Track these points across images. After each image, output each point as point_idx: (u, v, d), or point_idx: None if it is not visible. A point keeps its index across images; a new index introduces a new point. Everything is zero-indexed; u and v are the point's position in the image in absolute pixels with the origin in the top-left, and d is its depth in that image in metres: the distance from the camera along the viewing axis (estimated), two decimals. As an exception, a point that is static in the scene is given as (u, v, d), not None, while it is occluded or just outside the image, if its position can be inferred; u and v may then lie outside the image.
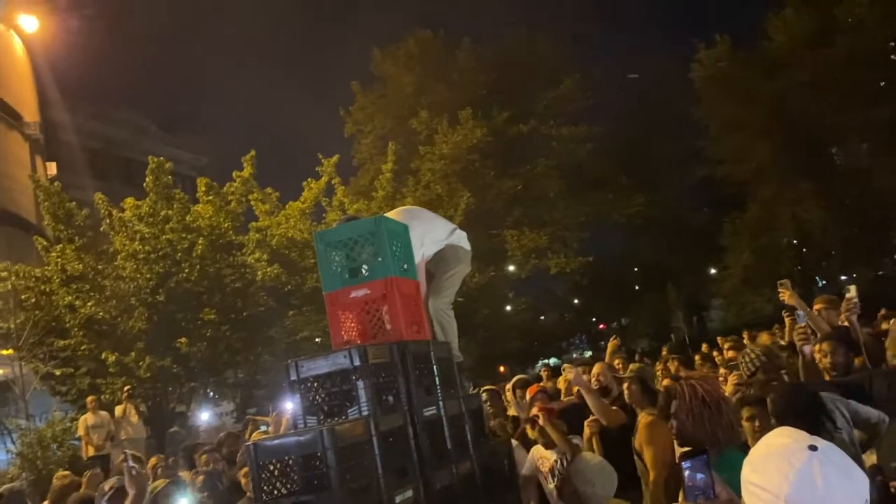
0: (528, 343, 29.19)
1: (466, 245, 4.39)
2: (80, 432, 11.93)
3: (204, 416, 16.31)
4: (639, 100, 31.11)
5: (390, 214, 4.04)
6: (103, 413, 11.94)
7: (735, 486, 2.98)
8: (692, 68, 27.98)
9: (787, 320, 5.54)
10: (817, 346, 4.31)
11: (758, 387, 4.25)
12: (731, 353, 7.16)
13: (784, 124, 25.63)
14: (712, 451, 2.96)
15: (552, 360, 30.62)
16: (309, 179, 16.91)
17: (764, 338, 8.29)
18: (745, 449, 3.09)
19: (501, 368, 25.80)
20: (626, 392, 4.92)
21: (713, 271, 33.04)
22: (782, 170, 26.35)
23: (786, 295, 5.00)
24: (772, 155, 26.32)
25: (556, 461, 4.94)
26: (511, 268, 25.96)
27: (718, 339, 11.03)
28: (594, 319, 39.38)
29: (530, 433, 5.10)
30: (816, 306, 5.37)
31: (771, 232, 27.38)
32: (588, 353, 34.29)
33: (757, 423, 3.39)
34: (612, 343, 9.01)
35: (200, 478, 4.54)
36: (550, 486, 4.95)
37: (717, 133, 28.44)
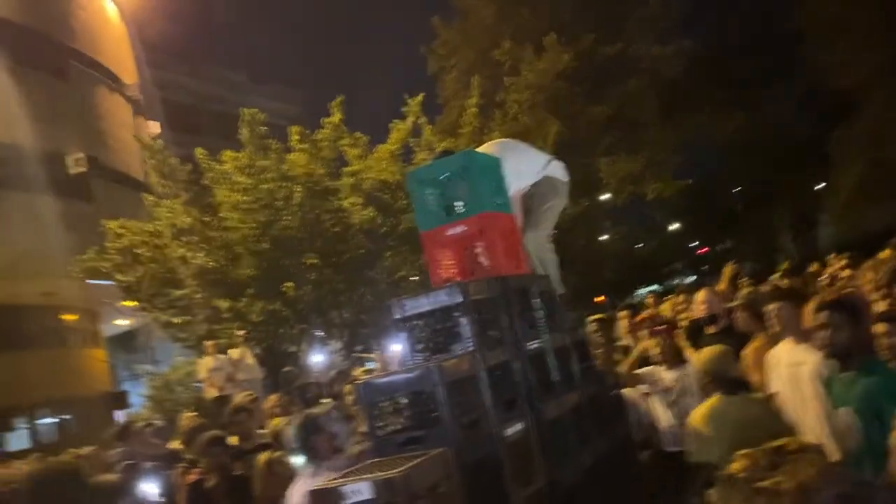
0: (625, 272, 28.74)
1: (563, 176, 4.29)
2: (202, 375, 12.69)
3: (315, 357, 17.01)
4: (734, 9, 29.27)
5: (482, 149, 3.98)
6: (222, 356, 12.61)
7: (874, 393, 2.89)
8: (794, -31, 26.03)
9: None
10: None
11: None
12: (846, 273, 6.77)
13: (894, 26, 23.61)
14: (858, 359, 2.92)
15: (650, 289, 30.08)
16: (395, 121, 16.92)
17: (886, 253, 7.77)
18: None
19: (599, 299, 25.59)
20: (737, 319, 4.78)
21: (822, 186, 31.29)
22: (894, 75, 24.39)
23: None
24: (883, 59, 24.35)
25: (679, 384, 4.89)
26: (605, 196, 25.41)
27: (831, 256, 10.44)
28: (694, 244, 38.29)
29: (651, 349, 5.06)
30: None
31: (883, 143, 25.56)
32: (690, 279, 33.50)
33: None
34: (728, 269, 8.61)
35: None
36: (666, 410, 4.91)
37: (821, 38, 26.48)
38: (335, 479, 2.44)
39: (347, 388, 6.07)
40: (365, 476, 2.35)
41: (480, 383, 2.87)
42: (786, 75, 28.85)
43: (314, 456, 3.75)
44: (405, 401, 2.75)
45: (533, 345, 3.31)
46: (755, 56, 28.78)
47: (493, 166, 3.68)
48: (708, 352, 4.13)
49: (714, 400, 3.87)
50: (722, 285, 7.14)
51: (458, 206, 3.46)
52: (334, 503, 2.30)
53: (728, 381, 3.97)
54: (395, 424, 2.77)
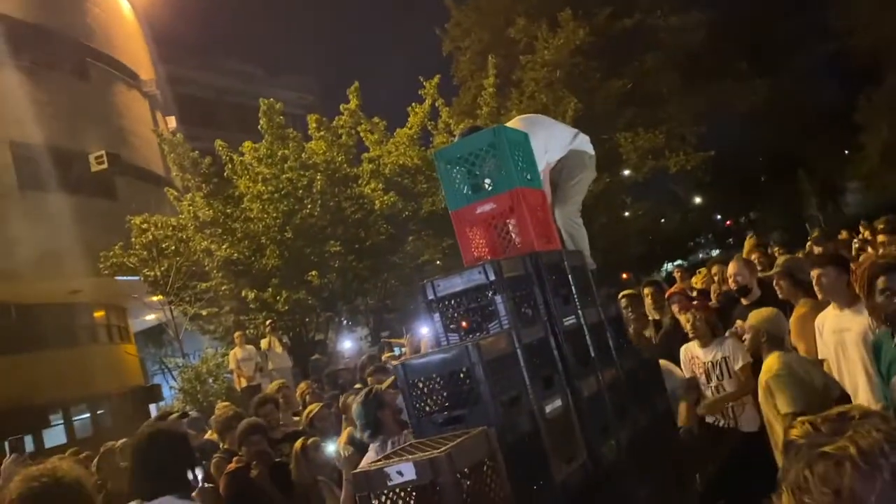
0: (650, 247, 28.50)
1: (590, 149, 4.22)
2: (232, 366, 12.80)
3: (345, 344, 17.11)
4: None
5: (509, 124, 3.92)
6: (250, 347, 12.72)
7: None
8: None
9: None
10: None
11: None
12: (882, 238, 6.60)
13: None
14: None
15: (677, 263, 29.80)
16: (413, 104, 16.84)
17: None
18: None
19: (624, 275, 25.40)
20: (777, 288, 4.69)
21: (847, 153, 30.74)
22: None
23: None
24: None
25: (714, 361, 4.81)
26: (627, 172, 25.12)
27: (861, 224, 10.21)
28: (720, 217, 37.88)
29: (687, 326, 4.99)
30: None
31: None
32: (716, 252, 33.14)
33: None
34: (749, 241, 8.54)
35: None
36: (706, 388, 4.84)
37: (842, 2, 25.91)
38: (379, 460, 2.41)
39: (371, 379, 6.06)
40: (408, 457, 2.32)
41: (518, 361, 2.83)
42: (808, 41, 28.28)
43: (380, 431, 3.84)
44: (443, 380, 2.72)
45: (568, 321, 3.26)
46: (775, 23, 28.25)
47: (521, 141, 3.61)
48: (762, 313, 4.09)
49: (777, 357, 3.85)
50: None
51: (488, 183, 3.40)
52: (379, 484, 2.27)
53: (782, 341, 3.98)
54: (435, 405, 2.73)
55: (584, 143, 4.21)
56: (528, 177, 3.53)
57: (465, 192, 3.48)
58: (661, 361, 4.97)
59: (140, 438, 3.07)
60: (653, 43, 25.44)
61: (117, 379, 22.77)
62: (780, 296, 4.76)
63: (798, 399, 3.64)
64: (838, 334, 3.89)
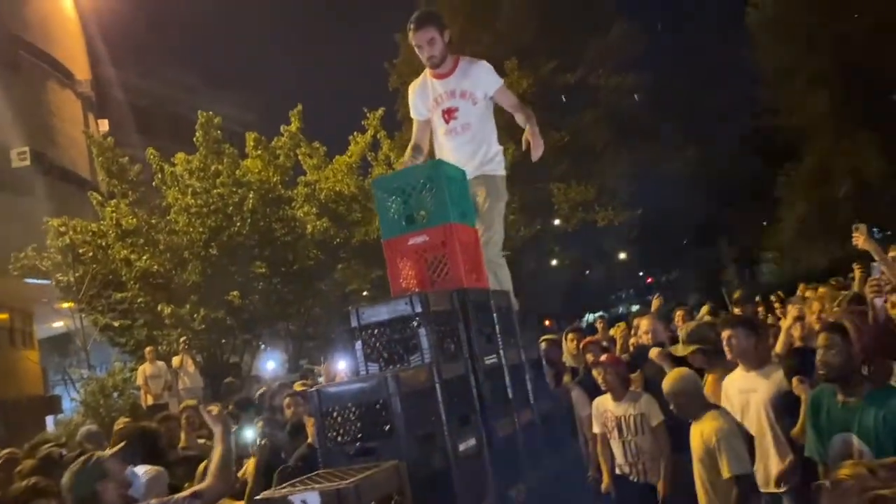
0: (574, 297, 29.04)
1: (503, 168, 4.21)
2: (139, 382, 12.32)
3: (267, 366, 16.71)
4: (689, 47, 30.13)
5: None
6: (161, 363, 12.28)
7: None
8: (747, 13, 26.88)
9: (856, 271, 5.30)
10: (893, 298, 4.12)
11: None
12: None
13: (843, 70, 24.54)
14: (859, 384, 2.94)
15: (599, 314, 30.42)
16: (355, 133, 16.85)
17: (822, 290, 8.00)
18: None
19: (547, 322, 25.75)
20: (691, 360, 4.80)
21: (766, 224, 32.21)
22: (840, 119, 25.30)
23: (860, 240, 4.70)
24: (829, 103, 25.28)
25: (626, 416, 4.85)
26: (557, 221, 25.68)
27: (772, 297, 10.65)
28: (641, 273, 38.95)
29: (599, 380, 5.01)
30: (890, 254, 5.11)
31: (827, 183, 26.47)
32: (635, 307, 33.97)
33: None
34: (655, 301, 8.81)
35: (260, 423, 4.60)
36: (616, 441, 4.88)
37: (772, 81, 27.39)
38: (283, 487, 2.34)
39: (287, 400, 5.92)
40: (314, 486, 2.26)
41: (436, 396, 2.81)
42: (737, 114, 29.76)
43: None
44: (359, 411, 2.67)
45: (490, 360, 3.27)
46: (709, 94, 29.61)
47: (458, 178, 3.64)
48: (677, 374, 4.13)
49: (719, 417, 3.86)
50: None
51: (422, 215, 3.41)
52: (282, 512, 2.20)
53: (705, 400, 4.02)
54: (348, 435, 2.68)
55: (500, 161, 4.19)
56: (463, 213, 3.56)
57: (399, 222, 3.48)
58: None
59: None
60: (592, 100, 26.31)
61: (15, 387, 21.52)
62: (693, 365, 4.88)
63: (745, 461, 3.71)
64: (744, 395, 4.02)
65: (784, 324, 5.04)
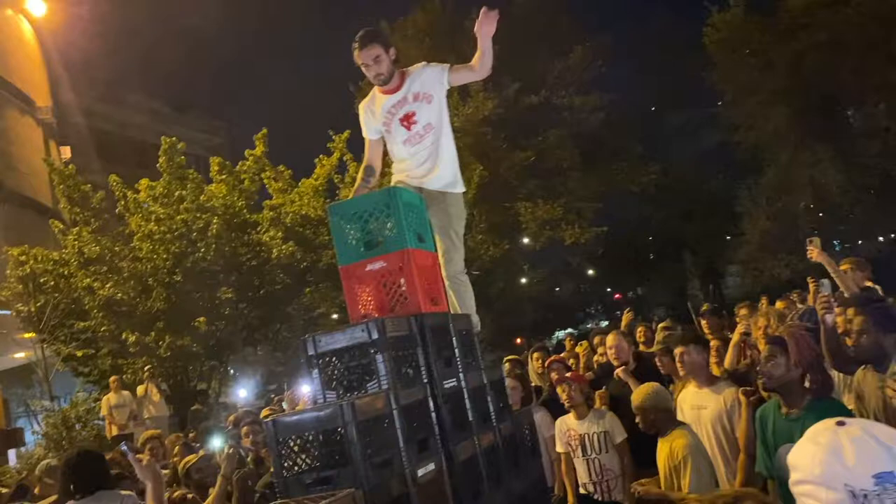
0: (544, 314, 29.21)
1: (452, 186, 4.13)
2: (104, 412, 12.10)
3: (235, 394, 16.47)
4: (651, 67, 30.72)
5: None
6: (125, 393, 12.08)
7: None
8: (705, 33, 27.48)
9: (811, 285, 5.40)
10: (839, 310, 4.22)
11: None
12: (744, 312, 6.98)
13: (800, 87, 25.19)
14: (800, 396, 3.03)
15: (568, 331, 30.60)
16: (321, 156, 16.83)
17: (779, 304, 8.15)
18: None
19: (518, 340, 25.85)
20: (659, 363, 4.87)
21: (729, 238, 32.78)
22: (798, 133, 25.96)
23: (814, 253, 4.82)
24: (788, 119, 25.92)
25: (590, 434, 4.88)
26: (525, 240, 25.85)
27: (736, 308, 10.83)
28: (609, 289, 39.29)
29: (562, 397, 5.03)
30: (843, 267, 5.24)
31: (787, 196, 27.06)
32: (604, 323, 34.24)
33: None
34: (626, 316, 8.92)
35: (229, 450, 4.55)
36: (580, 460, 4.91)
37: (731, 98, 28.01)
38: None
39: (245, 429, 5.89)
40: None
41: (393, 422, 2.81)
42: (700, 130, 30.36)
43: None
44: (315, 439, 2.67)
45: (449, 384, 3.28)
46: (670, 111, 30.19)
47: (415, 204, 3.67)
48: (646, 389, 4.14)
49: (682, 433, 3.88)
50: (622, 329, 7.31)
51: (379, 241, 3.43)
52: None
53: (674, 416, 4.03)
54: (304, 464, 2.67)
55: (459, 180, 4.15)
56: (421, 238, 3.59)
57: (356, 248, 3.49)
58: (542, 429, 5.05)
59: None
60: (556, 120, 26.65)
61: (-26, 420, 20.97)
62: (661, 371, 4.96)
63: (707, 481, 3.75)
64: (696, 411, 4.09)
65: (732, 340, 5.15)
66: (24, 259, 14.58)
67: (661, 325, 7.40)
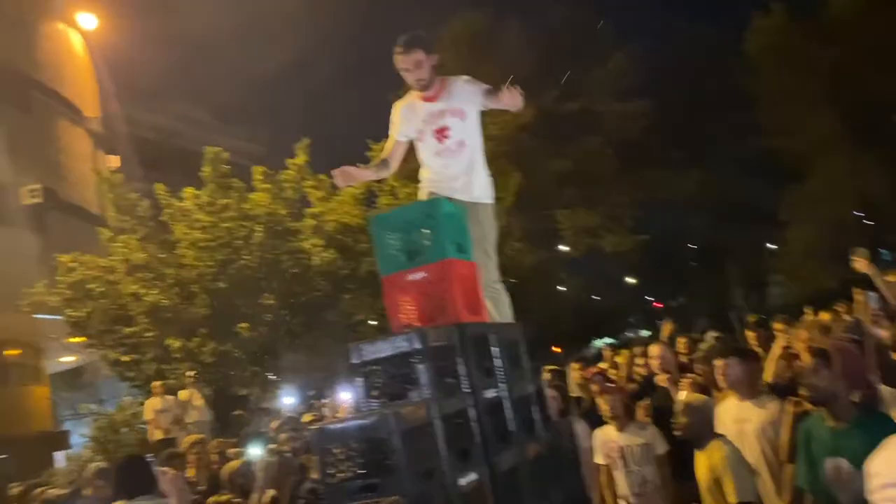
0: (582, 323, 28.97)
1: (483, 197, 4.14)
2: (148, 416, 12.33)
3: (280, 400, 16.70)
4: (692, 73, 30.31)
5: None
6: (169, 397, 12.30)
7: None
8: (747, 39, 27.10)
9: (857, 297, 5.29)
10: (887, 324, 4.14)
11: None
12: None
13: (845, 93, 24.68)
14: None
15: (607, 341, 30.29)
16: (359, 165, 16.96)
17: (825, 316, 7.96)
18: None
19: (556, 349, 25.69)
20: (700, 374, 4.83)
21: (772, 247, 32.13)
22: (843, 140, 25.41)
23: (862, 264, 4.71)
24: (832, 125, 25.40)
25: (631, 446, 4.85)
26: (564, 248, 25.73)
27: (773, 323, 10.58)
28: (650, 298, 38.80)
29: (604, 411, 5.01)
30: (891, 279, 5.12)
31: (833, 204, 26.46)
32: (645, 333, 33.85)
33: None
34: (666, 326, 8.78)
35: (275, 458, 4.63)
36: (620, 472, 4.87)
37: (773, 105, 27.53)
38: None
39: (283, 436, 6.00)
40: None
41: (436, 431, 2.85)
42: (741, 137, 29.83)
43: None
44: (359, 447, 2.71)
45: (490, 393, 3.30)
46: (711, 117, 29.76)
47: (457, 214, 3.71)
48: (700, 397, 4.14)
49: (721, 445, 3.87)
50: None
51: (420, 251, 3.47)
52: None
53: (713, 429, 4.02)
54: (348, 472, 2.72)
55: (490, 190, 4.17)
56: (462, 248, 3.62)
57: (397, 258, 3.54)
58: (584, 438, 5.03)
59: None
60: (595, 127, 26.49)
61: (24, 423, 21.56)
62: (701, 381, 4.91)
63: (750, 488, 3.73)
64: (738, 424, 4.04)
65: (772, 353, 5.07)
66: (73, 266, 15.00)
67: (712, 335, 7.32)
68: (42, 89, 22.93)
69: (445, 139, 4.02)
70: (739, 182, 30.92)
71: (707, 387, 4.90)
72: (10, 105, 21.18)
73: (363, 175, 4.40)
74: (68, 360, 22.31)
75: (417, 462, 2.69)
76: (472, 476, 2.93)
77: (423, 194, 4.17)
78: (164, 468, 3.47)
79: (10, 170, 19.54)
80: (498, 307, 3.99)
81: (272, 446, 5.69)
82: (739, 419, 4.06)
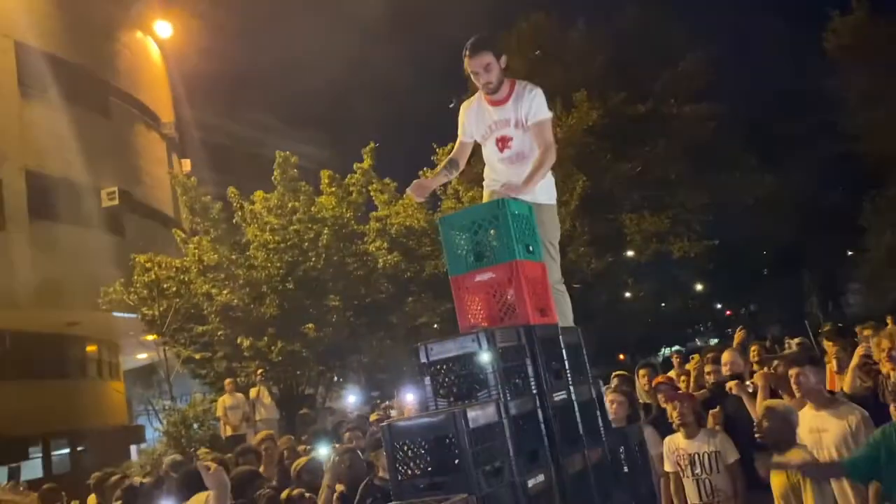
0: (649, 330, 28.37)
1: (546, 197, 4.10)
2: (219, 413, 12.67)
3: (345, 399, 16.94)
4: (767, 74, 29.46)
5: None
6: (239, 395, 12.61)
7: None
8: (825, 38, 26.15)
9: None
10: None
11: None
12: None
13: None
14: None
15: (675, 348, 29.61)
16: (425, 169, 17.08)
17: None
18: None
19: (621, 356, 25.27)
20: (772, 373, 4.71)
21: (850, 254, 30.88)
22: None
23: None
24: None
25: (700, 454, 4.75)
26: (630, 253, 25.27)
27: (858, 328, 10.17)
28: (720, 306, 37.76)
29: (673, 418, 4.91)
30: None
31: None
32: (714, 341, 32.99)
33: None
34: (738, 333, 8.56)
35: (346, 455, 4.70)
36: (689, 480, 4.78)
37: (853, 107, 26.47)
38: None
39: (347, 435, 6.07)
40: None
41: (504, 431, 2.84)
42: (817, 141, 28.76)
43: None
44: (428, 445, 2.72)
45: (558, 396, 3.27)
46: (786, 120, 28.82)
47: (524, 215, 3.69)
48: (782, 402, 4.07)
49: (800, 453, 3.83)
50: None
51: (488, 252, 3.47)
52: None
53: (794, 436, 3.95)
54: (418, 468, 2.73)
55: (552, 191, 4.15)
56: (530, 249, 3.59)
57: (465, 259, 3.53)
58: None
59: None
60: (664, 130, 25.95)
61: (101, 416, 22.46)
62: (772, 388, 4.77)
63: (829, 498, 3.62)
64: (816, 434, 3.91)
65: (852, 363, 4.89)
66: (149, 266, 15.55)
67: (794, 342, 7.12)
68: (121, 95, 23.89)
69: (507, 149, 4.03)
70: (816, 186, 29.79)
71: (776, 390, 4.77)
72: (91, 110, 22.13)
73: (436, 183, 4.42)
74: (142, 356, 23.14)
75: (485, 461, 2.68)
76: (541, 478, 2.91)
77: (487, 193, 4.18)
78: (206, 463, 3.52)
79: (90, 173, 20.39)
80: (560, 308, 3.94)
81: (340, 445, 5.77)
82: (816, 429, 3.94)
